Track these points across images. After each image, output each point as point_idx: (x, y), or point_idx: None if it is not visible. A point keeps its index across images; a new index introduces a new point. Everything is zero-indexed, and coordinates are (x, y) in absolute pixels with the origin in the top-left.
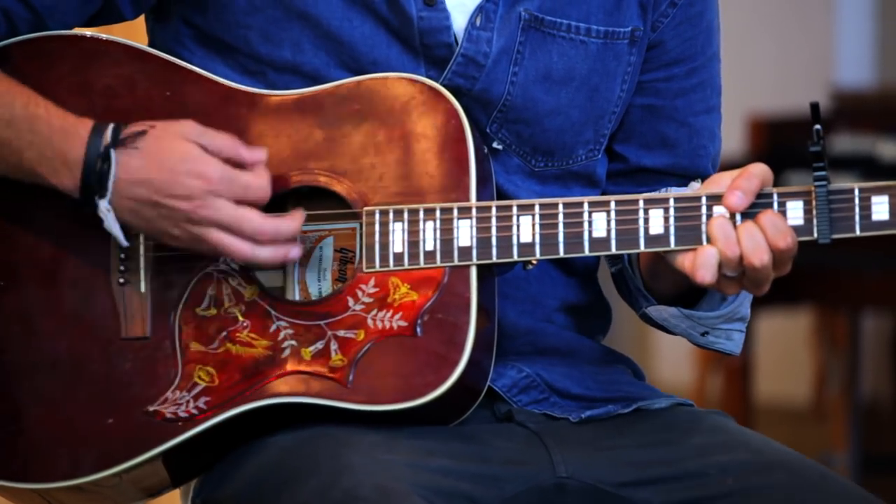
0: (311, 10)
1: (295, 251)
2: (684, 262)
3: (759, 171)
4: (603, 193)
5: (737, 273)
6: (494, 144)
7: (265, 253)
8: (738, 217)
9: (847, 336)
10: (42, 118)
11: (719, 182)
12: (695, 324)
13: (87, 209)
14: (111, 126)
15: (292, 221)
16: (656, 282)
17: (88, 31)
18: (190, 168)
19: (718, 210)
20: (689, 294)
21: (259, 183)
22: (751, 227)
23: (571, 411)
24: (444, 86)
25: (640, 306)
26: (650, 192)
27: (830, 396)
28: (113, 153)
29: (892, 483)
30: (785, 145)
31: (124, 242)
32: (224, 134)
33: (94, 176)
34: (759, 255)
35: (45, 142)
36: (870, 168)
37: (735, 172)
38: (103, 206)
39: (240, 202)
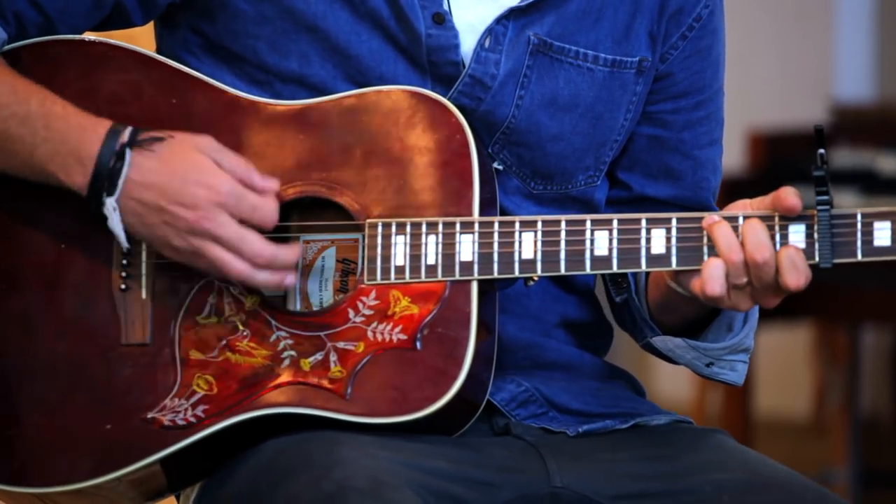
0: (319, 23)
1: (290, 279)
2: (695, 285)
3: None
4: None
5: (744, 280)
6: (495, 165)
7: (262, 276)
8: (740, 218)
9: (847, 351)
10: (59, 115)
11: (732, 209)
12: (700, 354)
13: (93, 207)
14: (129, 128)
15: (291, 251)
16: (665, 315)
17: (96, 37)
18: (200, 178)
19: (715, 217)
20: (693, 327)
21: (267, 207)
22: (754, 223)
23: (569, 426)
24: None
25: (645, 336)
26: None
27: (830, 411)
28: (128, 153)
29: (892, 499)
30: (785, 159)
31: (125, 244)
32: (240, 157)
33: (106, 172)
34: (761, 252)
35: (60, 138)
36: (870, 182)
37: (748, 202)
38: (110, 204)
39: (244, 222)
